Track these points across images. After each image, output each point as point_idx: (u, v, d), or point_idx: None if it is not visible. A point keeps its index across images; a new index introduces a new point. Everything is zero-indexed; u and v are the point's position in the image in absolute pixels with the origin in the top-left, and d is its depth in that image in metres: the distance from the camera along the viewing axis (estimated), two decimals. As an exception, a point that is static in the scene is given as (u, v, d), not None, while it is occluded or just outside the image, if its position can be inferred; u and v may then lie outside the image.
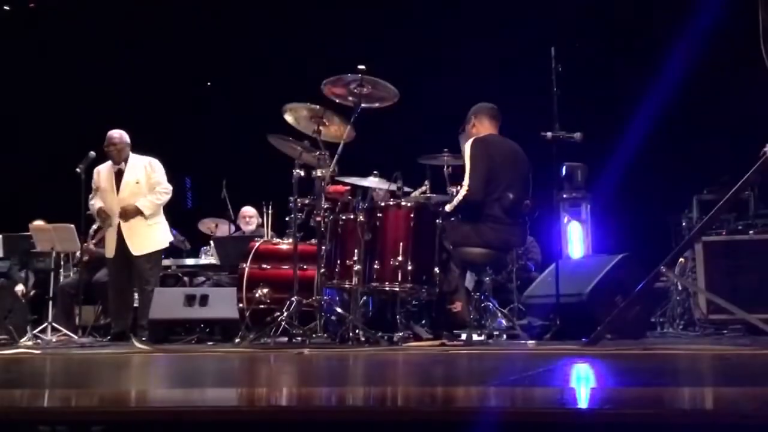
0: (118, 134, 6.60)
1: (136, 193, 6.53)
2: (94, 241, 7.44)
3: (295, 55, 9.51)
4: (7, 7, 10.50)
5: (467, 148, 5.13)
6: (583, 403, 1.91)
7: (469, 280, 5.58)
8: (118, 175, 6.57)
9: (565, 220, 7.14)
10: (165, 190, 6.64)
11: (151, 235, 6.55)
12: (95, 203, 6.66)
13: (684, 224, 6.82)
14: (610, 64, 8.49)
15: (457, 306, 4.94)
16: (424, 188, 5.89)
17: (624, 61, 8.45)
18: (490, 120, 5.35)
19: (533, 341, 4.87)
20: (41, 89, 10.29)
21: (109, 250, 6.56)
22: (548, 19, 8.28)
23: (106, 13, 10.24)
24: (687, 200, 7.00)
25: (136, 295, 6.68)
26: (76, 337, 6.48)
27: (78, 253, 7.31)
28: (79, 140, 7.25)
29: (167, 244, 6.82)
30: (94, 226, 7.36)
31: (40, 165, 9.77)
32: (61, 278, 7.72)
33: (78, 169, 6.42)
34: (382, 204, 5.02)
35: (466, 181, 5.10)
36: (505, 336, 5.33)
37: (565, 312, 5.11)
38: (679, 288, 6.41)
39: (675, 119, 8.02)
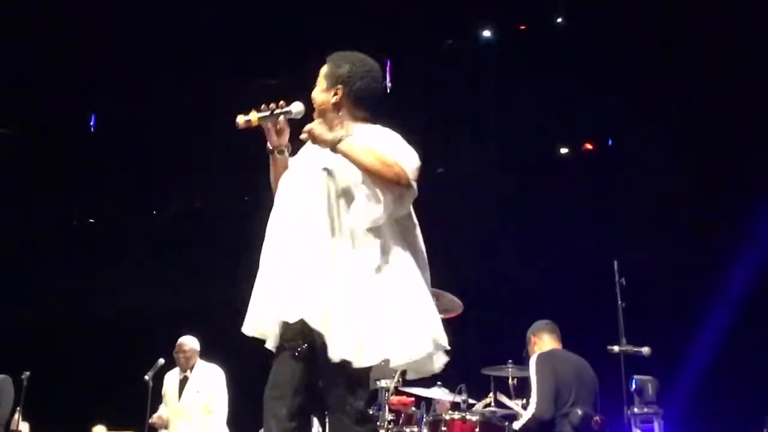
0: (189, 342, 6.72)
1: (196, 402, 6.52)
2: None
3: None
4: None
5: (532, 364, 5.12)
6: None
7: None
8: (183, 382, 6.62)
9: (638, 437, 6.83)
10: (220, 410, 6.57)
11: None
12: (160, 412, 6.70)
13: (764, 443, 6.46)
14: (674, 275, 8.47)
15: None
16: (488, 400, 5.78)
17: (690, 270, 8.44)
18: (549, 335, 5.37)
19: None
20: (113, 294, 10.71)
21: None
22: (610, 231, 8.43)
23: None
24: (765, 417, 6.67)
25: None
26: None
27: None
28: (150, 346, 7.43)
29: None
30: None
31: (110, 369, 9.95)
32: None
33: (146, 377, 6.52)
34: (447, 417, 4.94)
35: (533, 399, 5.03)
36: None
37: None
38: None
39: (749, 330, 7.84)
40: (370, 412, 2.84)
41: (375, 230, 2.84)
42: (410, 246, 2.91)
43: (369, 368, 2.83)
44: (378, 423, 5.16)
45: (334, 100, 3.05)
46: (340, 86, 3.04)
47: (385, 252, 2.85)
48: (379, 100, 3.14)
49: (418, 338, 2.81)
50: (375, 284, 2.81)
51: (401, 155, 2.88)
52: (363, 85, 3.05)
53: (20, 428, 7.35)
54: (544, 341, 5.35)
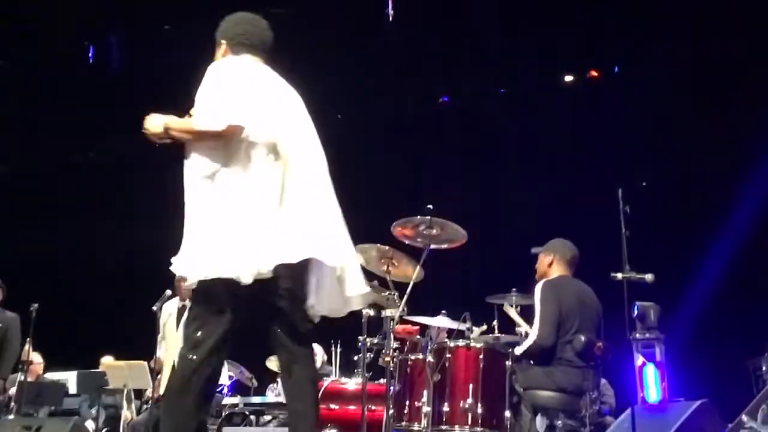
0: None
1: None
2: (166, 377, 7.50)
3: (365, 196, 9.76)
4: None
5: (537, 291, 5.15)
6: None
7: (540, 424, 5.42)
8: (182, 311, 6.70)
9: (640, 362, 6.92)
10: None
11: None
12: (159, 348, 6.76)
13: (764, 368, 6.55)
14: (679, 202, 8.47)
15: (530, 452, 4.79)
16: (484, 327, 5.84)
17: (694, 197, 8.43)
18: (568, 266, 5.39)
19: (610, 492, 4.66)
20: (120, 228, 10.75)
21: (162, 387, 6.59)
22: (615, 158, 8.39)
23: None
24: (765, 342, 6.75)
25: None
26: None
27: (149, 391, 7.40)
28: (157, 277, 7.48)
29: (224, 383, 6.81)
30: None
31: (118, 301, 10.05)
32: (125, 413, 7.81)
33: (154, 308, 6.58)
34: (452, 344, 4.99)
35: (536, 326, 5.08)
36: (580, 485, 5.10)
37: (643, 460, 4.89)
38: (764, 436, 6.07)
39: (751, 257, 7.87)
40: (198, 336, 3.19)
41: (210, 179, 3.26)
42: (247, 184, 3.22)
43: (196, 292, 3.26)
44: (384, 351, 5.24)
45: (219, 54, 3.51)
46: (222, 40, 3.52)
47: (212, 194, 3.27)
48: (263, 40, 3.51)
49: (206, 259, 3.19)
50: (199, 216, 3.28)
51: (202, 112, 3.25)
52: (238, 30, 3.49)
53: (31, 358, 7.50)
54: (560, 266, 5.34)
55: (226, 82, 3.28)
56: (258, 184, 3.22)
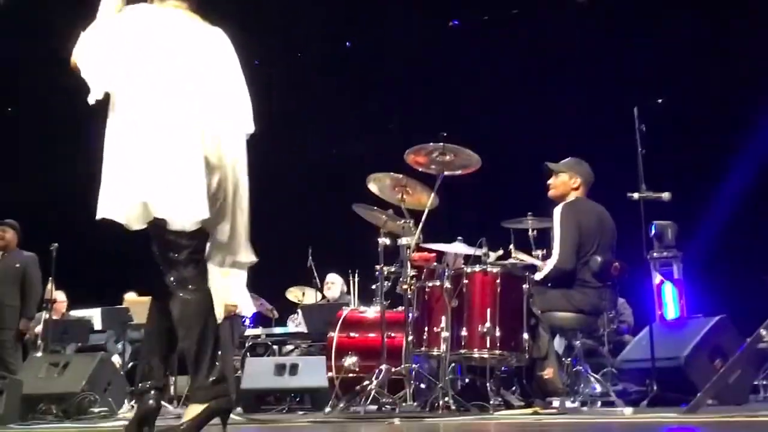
0: None
1: None
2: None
3: (379, 123, 9.69)
4: None
5: (556, 214, 5.13)
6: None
7: (559, 344, 5.48)
8: None
9: (658, 280, 6.94)
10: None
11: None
12: None
13: (783, 283, 6.54)
14: (698, 120, 8.34)
15: (549, 373, 4.85)
16: (500, 252, 5.84)
17: (713, 115, 8.29)
18: (584, 190, 5.34)
19: (629, 408, 4.71)
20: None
21: None
22: (630, 77, 8.24)
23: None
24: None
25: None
26: (171, 407, 6.58)
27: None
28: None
29: (247, 313, 6.88)
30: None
31: (139, 238, 10.10)
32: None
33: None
34: (468, 270, 5.01)
35: (556, 249, 5.07)
36: (599, 403, 5.17)
37: (661, 377, 4.95)
38: (783, 349, 6.10)
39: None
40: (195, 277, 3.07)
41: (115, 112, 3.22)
42: (151, 113, 3.11)
43: (174, 231, 3.07)
44: (401, 278, 5.27)
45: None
46: None
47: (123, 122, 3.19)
48: None
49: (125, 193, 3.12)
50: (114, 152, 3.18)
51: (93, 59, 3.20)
52: None
53: (54, 296, 7.61)
54: (579, 191, 5.30)
55: (126, 31, 3.13)
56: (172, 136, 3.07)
